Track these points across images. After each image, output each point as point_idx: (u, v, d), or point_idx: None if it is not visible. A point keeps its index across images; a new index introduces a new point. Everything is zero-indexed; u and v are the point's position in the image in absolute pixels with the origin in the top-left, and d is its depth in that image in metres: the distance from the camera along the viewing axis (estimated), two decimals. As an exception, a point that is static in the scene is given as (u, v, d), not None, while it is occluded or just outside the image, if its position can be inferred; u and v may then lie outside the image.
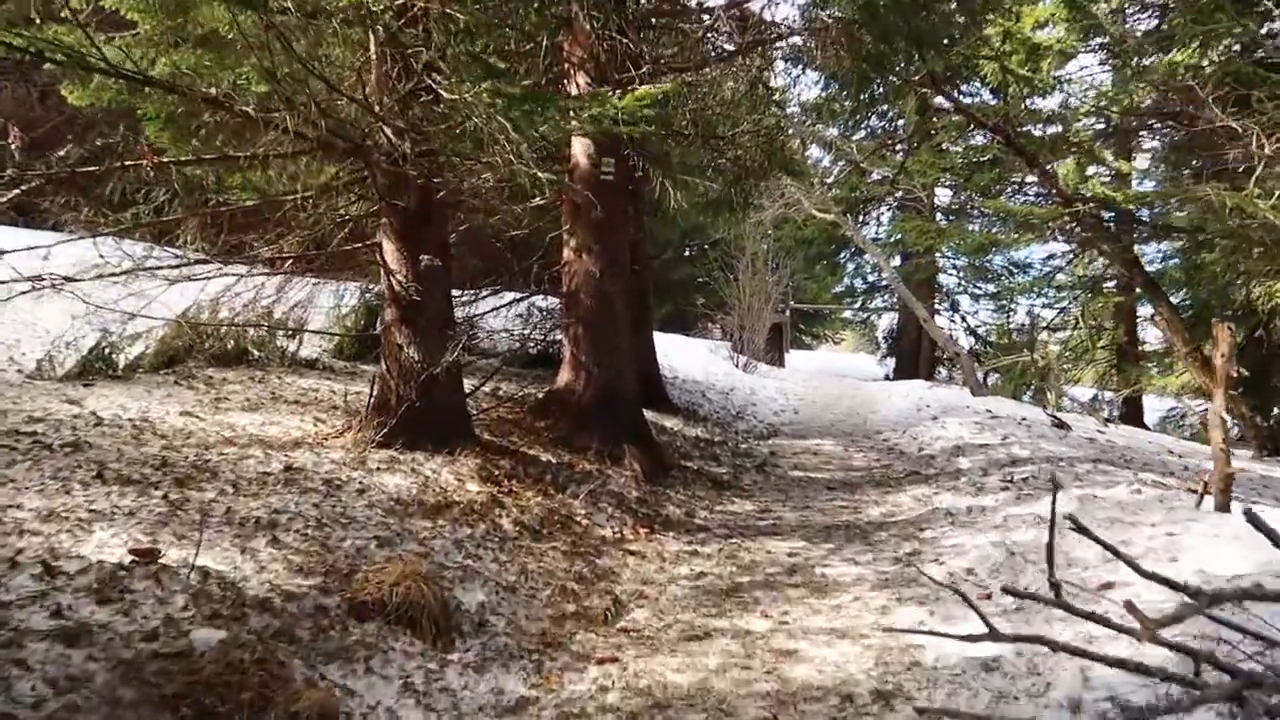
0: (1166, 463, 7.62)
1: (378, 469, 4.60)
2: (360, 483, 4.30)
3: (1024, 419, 9.98)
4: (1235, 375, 4.39)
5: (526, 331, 11.26)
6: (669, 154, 11.08)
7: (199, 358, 6.93)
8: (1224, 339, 4.39)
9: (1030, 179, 19.43)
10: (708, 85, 10.20)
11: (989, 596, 3.89)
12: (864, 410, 12.94)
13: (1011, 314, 21.98)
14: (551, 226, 8.76)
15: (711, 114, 10.89)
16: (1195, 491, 5.35)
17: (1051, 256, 20.99)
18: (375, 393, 5.42)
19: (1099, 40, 16.88)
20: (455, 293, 10.01)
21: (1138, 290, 17.36)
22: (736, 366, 16.78)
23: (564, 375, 7.12)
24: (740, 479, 7.38)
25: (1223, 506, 4.41)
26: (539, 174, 4.42)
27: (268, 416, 5.59)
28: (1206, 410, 17.84)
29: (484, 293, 9.91)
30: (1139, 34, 12.10)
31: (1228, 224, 6.71)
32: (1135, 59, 10.62)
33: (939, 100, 11.31)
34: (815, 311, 31.28)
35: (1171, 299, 10.85)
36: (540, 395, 7.54)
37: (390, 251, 5.30)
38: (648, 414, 8.86)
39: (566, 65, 7.02)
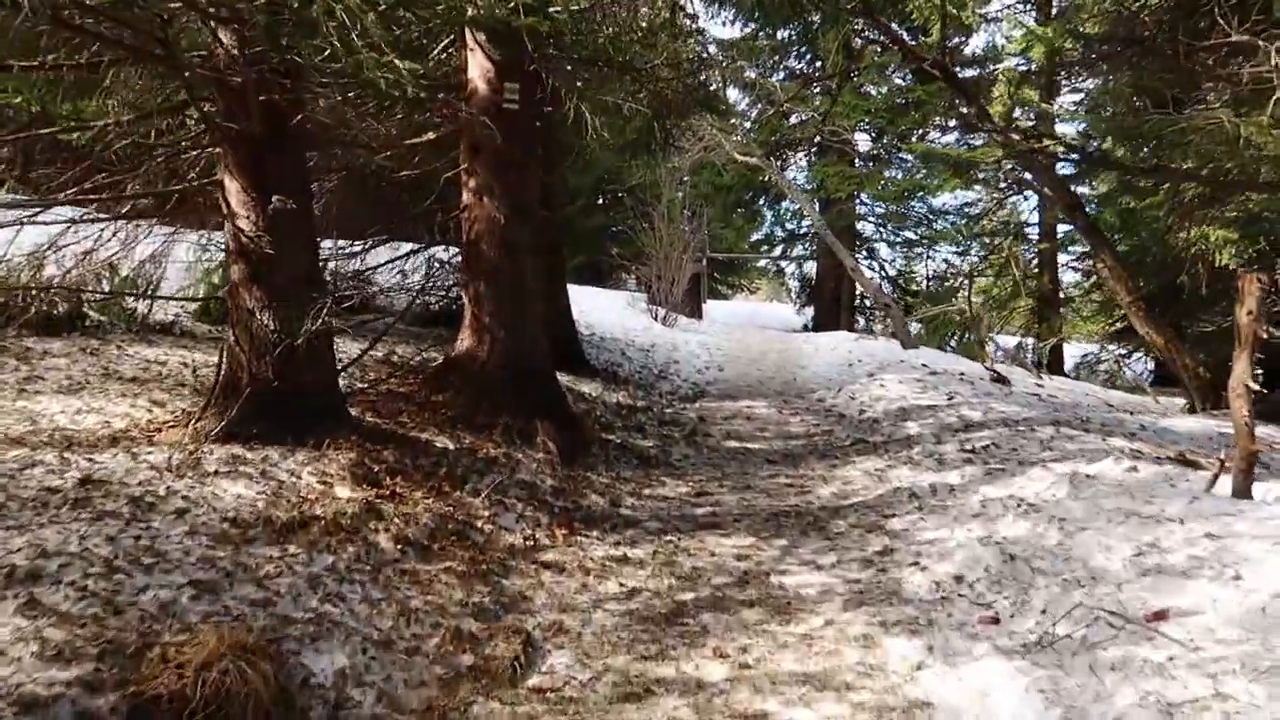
0: (1123, 422, 7.09)
1: (214, 474, 3.55)
2: (184, 497, 3.25)
3: (963, 374, 9.41)
4: (1265, 335, 3.68)
5: (427, 285, 10.14)
6: (583, 86, 10.01)
7: (14, 324, 5.68)
8: (1252, 292, 3.67)
9: (952, 123, 18.97)
10: (624, 6, 9.13)
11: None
12: (792, 365, 12.25)
13: (931, 262, 21.70)
14: (451, 167, 7.67)
15: (628, 40, 9.87)
16: (1196, 466, 4.72)
17: (967, 204, 20.71)
18: (222, 371, 4.32)
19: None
20: (340, 244, 8.87)
21: (1059, 236, 17.18)
22: (656, 320, 15.93)
23: (464, 339, 6.09)
24: (669, 453, 6.52)
25: (1243, 490, 3.75)
26: (408, 85, 3.37)
27: (88, 401, 4.45)
28: (1119, 356, 17.73)
29: (370, 244, 8.75)
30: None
31: (1240, 157, 6.07)
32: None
33: (871, 34, 10.48)
34: (731, 260, 30.66)
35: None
36: (438, 362, 6.51)
37: (233, 191, 4.17)
38: (564, 379, 7.93)
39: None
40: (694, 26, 10.18)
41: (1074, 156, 8.66)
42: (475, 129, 5.93)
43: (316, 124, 5.15)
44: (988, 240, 19.11)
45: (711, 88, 11.08)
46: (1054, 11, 15.83)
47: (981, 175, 16.65)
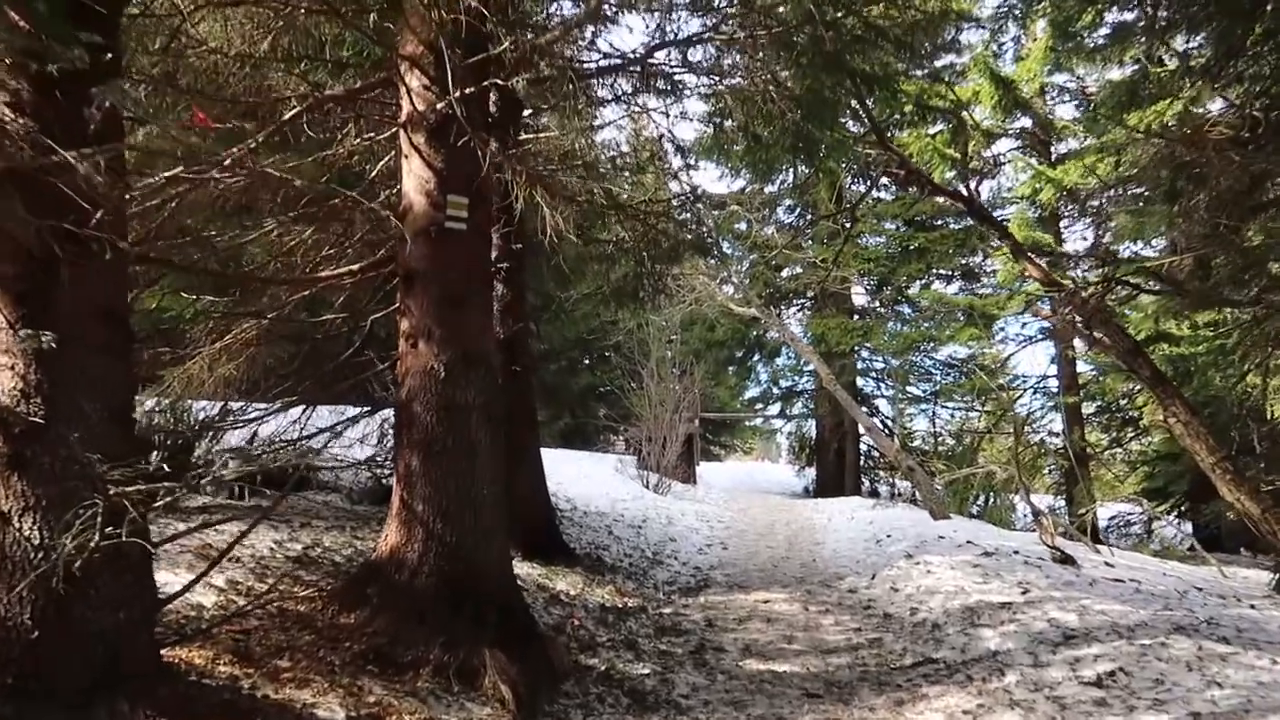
0: (1258, 622, 5.43)
1: None
2: None
3: (1018, 553, 7.77)
4: None
5: (377, 456, 8.62)
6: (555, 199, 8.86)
7: None
8: None
9: (957, 271, 18.11)
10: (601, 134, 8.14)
11: None
12: (806, 541, 10.57)
13: (939, 419, 20.34)
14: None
15: (609, 170, 8.82)
16: None
17: (971, 357, 19.58)
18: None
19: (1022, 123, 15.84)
20: (259, 406, 7.36)
21: (1081, 388, 15.92)
22: (647, 487, 14.32)
23: (389, 535, 4.48)
24: (672, 684, 4.79)
25: None
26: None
27: None
28: (1152, 517, 16.06)
29: (303, 405, 7.27)
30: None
31: None
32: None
33: (880, 167, 9.48)
34: (724, 420, 29.34)
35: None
36: (353, 570, 4.89)
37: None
38: (535, 572, 6.29)
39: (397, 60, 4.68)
40: (683, 163, 9.20)
41: (1155, 287, 7.38)
42: (410, 255, 4.58)
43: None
44: (1001, 395, 17.87)
45: (703, 231, 9.99)
46: (1053, 155, 15.25)
47: (1001, 325, 15.62)
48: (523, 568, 6.52)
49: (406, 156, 4.72)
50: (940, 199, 17.30)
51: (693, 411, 20.81)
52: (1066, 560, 7.65)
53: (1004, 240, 8.24)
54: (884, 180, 9.86)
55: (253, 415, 7.18)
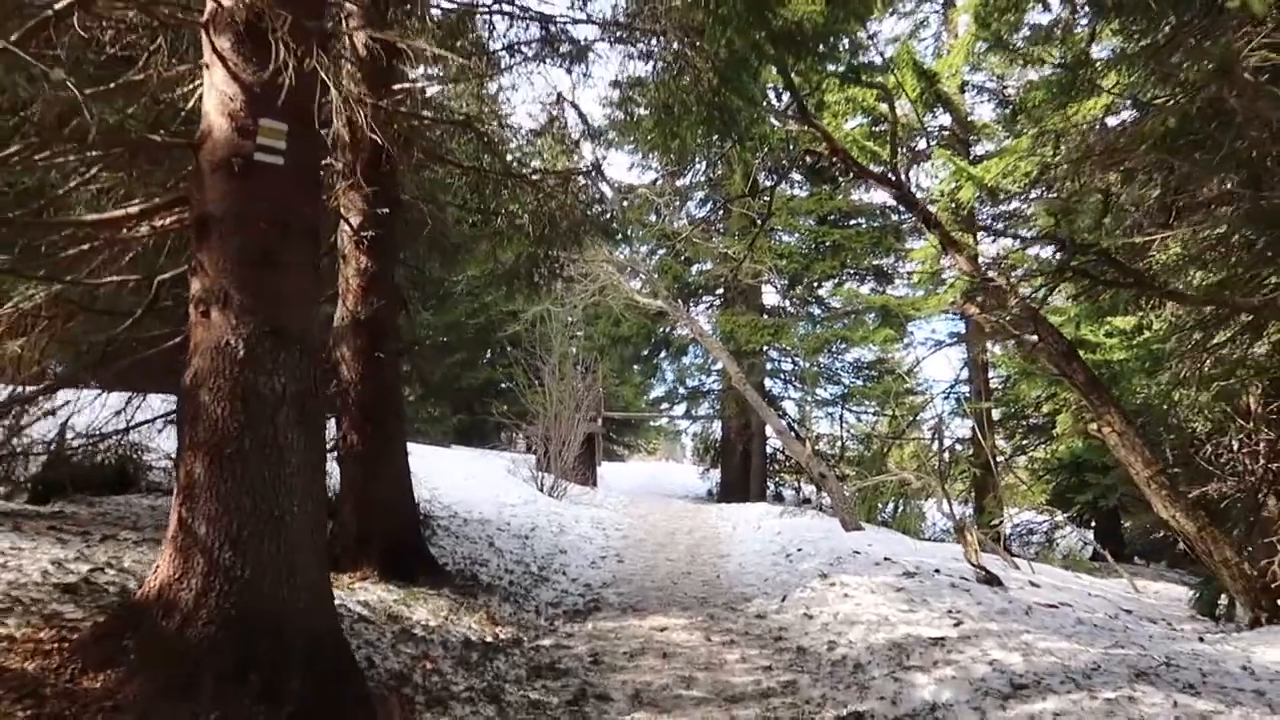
0: (1217, 661, 4.76)
1: None
2: None
3: (940, 572, 7.06)
4: None
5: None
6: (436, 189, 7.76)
7: None
8: None
9: (871, 267, 17.61)
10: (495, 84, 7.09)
11: None
12: (710, 553, 9.71)
13: (847, 423, 19.85)
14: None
15: (500, 134, 7.79)
16: None
17: (881, 360, 19.17)
18: None
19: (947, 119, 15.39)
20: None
21: (992, 396, 15.58)
22: (541, 490, 13.27)
23: (160, 568, 3.33)
24: (541, 752, 3.80)
25: None
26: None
27: None
28: (1056, 528, 15.90)
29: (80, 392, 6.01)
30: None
31: None
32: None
33: (806, 148, 8.67)
34: (628, 420, 28.49)
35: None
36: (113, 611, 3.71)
37: None
38: (387, 598, 5.23)
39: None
40: (585, 129, 8.22)
41: (1114, 278, 6.70)
42: (205, 195, 3.46)
43: None
44: (911, 399, 17.47)
45: (607, 211, 9.01)
46: (971, 156, 14.85)
47: (911, 329, 15.12)
48: (375, 592, 5.42)
49: (208, 67, 3.58)
50: (860, 189, 16.82)
51: (595, 410, 19.88)
52: (992, 580, 6.98)
53: (932, 230, 7.53)
54: (806, 159, 9.02)
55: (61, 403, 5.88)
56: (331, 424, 6.29)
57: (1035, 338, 7.23)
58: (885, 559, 7.49)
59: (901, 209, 16.54)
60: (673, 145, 8.22)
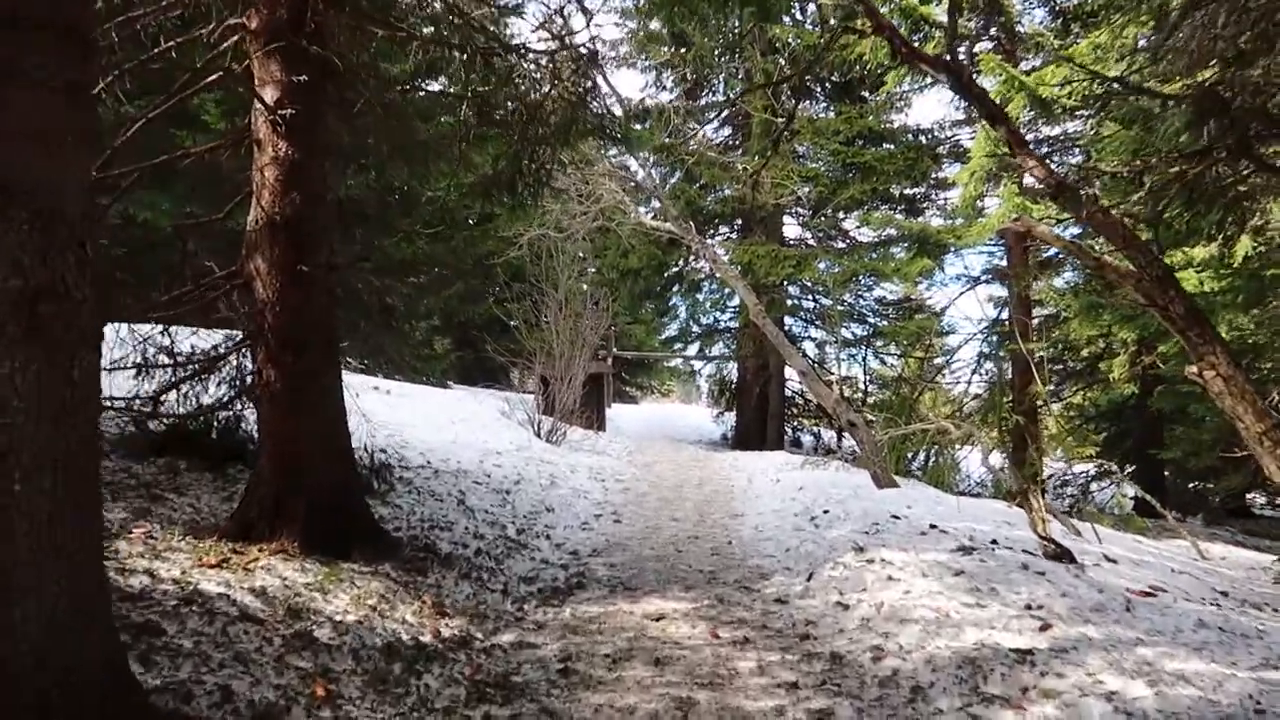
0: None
1: None
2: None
3: (995, 543, 5.78)
4: None
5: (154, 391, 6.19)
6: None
7: None
8: None
9: (907, 191, 16.03)
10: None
11: None
12: (721, 510, 8.48)
13: (870, 366, 18.47)
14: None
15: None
16: None
17: (908, 299, 17.71)
18: None
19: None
20: None
21: (1037, 334, 14.14)
22: (538, 434, 12.07)
23: None
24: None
25: None
26: None
27: None
28: (1094, 479, 14.58)
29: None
30: None
31: None
32: None
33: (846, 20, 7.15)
34: (641, 359, 27.26)
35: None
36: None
37: None
38: (297, 580, 4.04)
39: None
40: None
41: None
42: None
43: None
44: (942, 340, 16.06)
45: (602, 105, 7.56)
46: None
47: (953, 254, 13.62)
48: (284, 572, 4.18)
49: None
50: (894, 110, 15.18)
51: (605, 349, 18.64)
52: (1062, 555, 5.68)
53: (998, 126, 6.04)
54: (846, 38, 7.49)
55: None
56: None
57: (1115, 262, 5.81)
58: (931, 526, 6.21)
59: (930, 136, 14.92)
60: (688, 18, 6.78)
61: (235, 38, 5.07)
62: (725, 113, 17.37)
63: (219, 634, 3.30)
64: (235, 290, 5.08)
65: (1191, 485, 16.99)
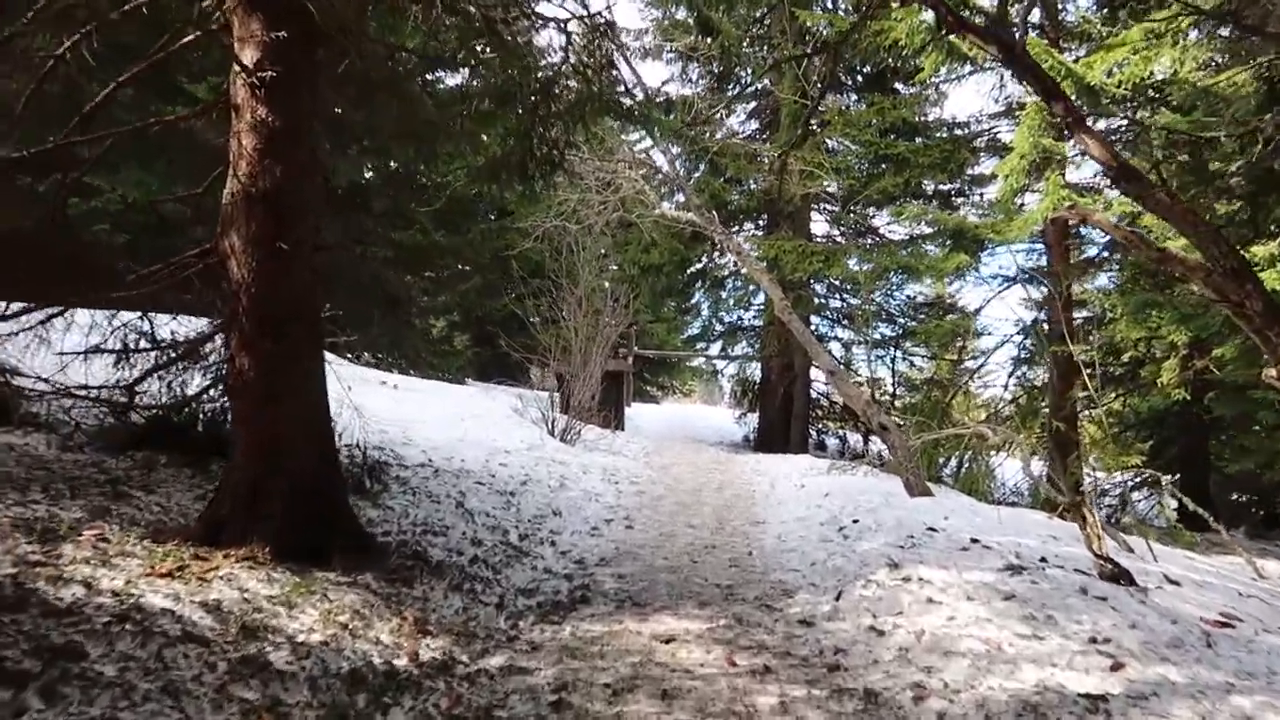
0: None
1: None
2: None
3: (1044, 561, 5.22)
4: None
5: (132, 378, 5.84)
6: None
7: None
8: None
9: (943, 187, 15.40)
10: None
11: None
12: (741, 517, 7.96)
13: (899, 368, 17.83)
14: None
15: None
16: None
17: (939, 300, 17.06)
18: None
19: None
20: None
21: (1078, 336, 13.47)
22: (552, 433, 11.60)
23: None
24: None
25: None
26: None
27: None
28: (1134, 489, 13.91)
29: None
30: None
31: None
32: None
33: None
34: (660, 359, 26.77)
35: None
36: None
37: None
38: (260, 593, 3.59)
39: None
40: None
41: None
42: None
43: None
44: (974, 342, 15.38)
45: (617, 81, 7.06)
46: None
47: (988, 254, 12.96)
48: (247, 582, 3.71)
49: None
50: (926, 104, 14.57)
51: (626, 347, 18.18)
52: (1120, 575, 5.11)
53: (1054, 102, 5.47)
54: (882, 18, 6.88)
55: None
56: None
57: (1180, 254, 5.23)
58: (973, 541, 5.65)
59: (966, 130, 14.29)
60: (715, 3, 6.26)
61: (214, -8, 4.63)
62: (753, 104, 16.81)
63: (152, 659, 2.83)
64: (208, 269, 4.62)
65: (1234, 496, 16.27)
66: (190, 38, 4.76)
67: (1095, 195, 11.33)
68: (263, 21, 4.46)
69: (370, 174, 7.75)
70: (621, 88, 6.58)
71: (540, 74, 6.09)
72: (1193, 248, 5.32)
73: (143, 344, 5.84)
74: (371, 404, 9.37)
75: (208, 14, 4.70)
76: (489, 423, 10.49)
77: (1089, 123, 5.73)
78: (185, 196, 5.45)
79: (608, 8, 6.14)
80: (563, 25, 6.02)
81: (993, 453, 11.04)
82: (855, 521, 6.69)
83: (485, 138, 6.84)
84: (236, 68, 4.48)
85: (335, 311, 13.57)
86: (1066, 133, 6.33)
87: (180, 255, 4.69)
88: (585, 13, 6.11)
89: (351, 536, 4.74)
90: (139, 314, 5.72)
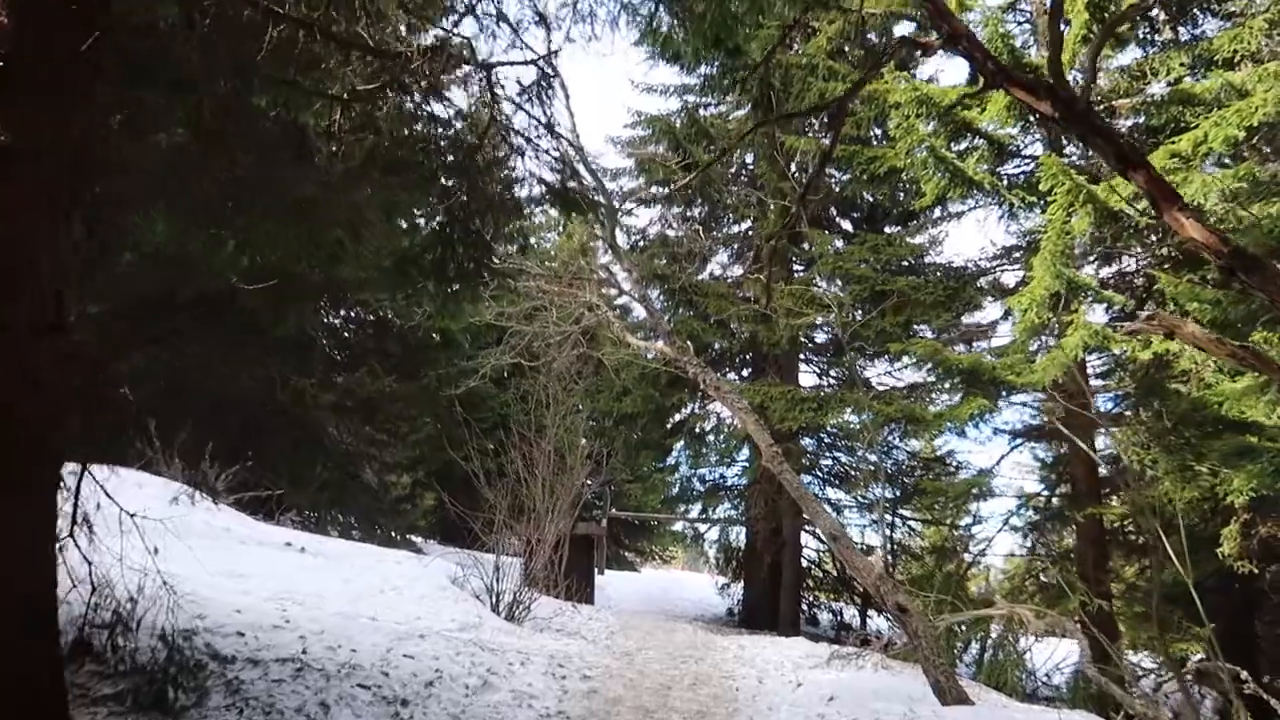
0: None
1: None
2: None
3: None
4: None
5: None
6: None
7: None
8: None
9: (940, 324, 14.01)
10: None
11: None
12: (720, 732, 5.97)
13: (897, 532, 15.96)
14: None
15: None
16: None
17: (946, 458, 15.43)
18: None
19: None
20: None
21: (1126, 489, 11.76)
22: (495, 609, 9.63)
23: None
24: None
25: None
26: None
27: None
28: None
29: None
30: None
31: None
32: None
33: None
34: (640, 521, 24.74)
35: None
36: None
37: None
38: None
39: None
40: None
41: None
42: None
43: None
44: (981, 505, 13.66)
45: (569, 171, 5.65)
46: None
47: (1014, 399, 11.43)
48: None
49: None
50: (926, 230, 13.47)
51: (600, 510, 16.42)
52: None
53: (1135, 172, 4.04)
54: (917, 52, 5.61)
55: None
56: None
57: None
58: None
59: (967, 272, 13.13)
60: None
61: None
62: (736, 246, 15.79)
63: None
64: None
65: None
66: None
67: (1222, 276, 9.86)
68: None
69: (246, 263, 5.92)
70: (565, 158, 5.17)
71: (451, 132, 4.69)
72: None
73: None
74: (259, 571, 7.50)
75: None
76: (413, 597, 8.53)
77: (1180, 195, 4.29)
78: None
79: (551, 53, 4.79)
80: (488, 69, 4.67)
81: (1033, 638, 9.12)
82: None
83: (392, 224, 5.36)
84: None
85: (257, 462, 11.86)
86: (1150, 210, 4.94)
87: None
88: (525, 56, 4.76)
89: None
90: None
